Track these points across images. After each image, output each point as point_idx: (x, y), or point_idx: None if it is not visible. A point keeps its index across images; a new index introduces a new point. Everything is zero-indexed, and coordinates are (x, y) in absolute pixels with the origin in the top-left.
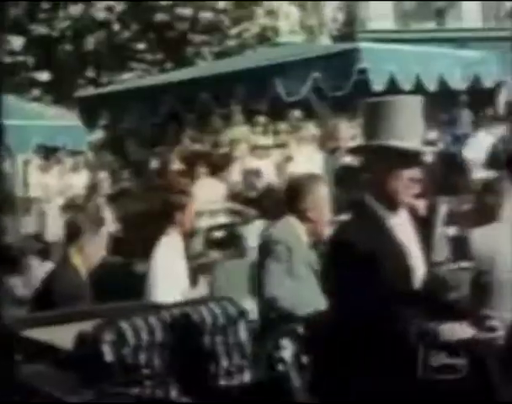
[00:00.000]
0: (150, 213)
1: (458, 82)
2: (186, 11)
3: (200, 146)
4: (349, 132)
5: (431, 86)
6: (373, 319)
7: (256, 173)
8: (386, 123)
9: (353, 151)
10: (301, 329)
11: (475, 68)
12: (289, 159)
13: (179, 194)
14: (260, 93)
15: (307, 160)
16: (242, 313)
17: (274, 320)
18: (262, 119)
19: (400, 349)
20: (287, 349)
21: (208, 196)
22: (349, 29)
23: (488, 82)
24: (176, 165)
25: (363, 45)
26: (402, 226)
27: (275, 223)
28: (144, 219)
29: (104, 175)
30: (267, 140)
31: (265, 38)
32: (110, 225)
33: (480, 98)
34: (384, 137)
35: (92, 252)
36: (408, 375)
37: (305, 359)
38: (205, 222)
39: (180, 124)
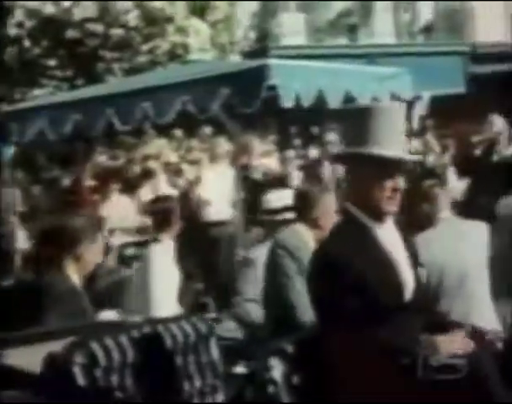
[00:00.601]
0: (61, 229)
1: (367, 98)
2: (97, 27)
3: (113, 162)
4: (261, 148)
5: (337, 102)
6: (362, 332)
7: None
8: (369, 130)
9: (335, 158)
10: (289, 347)
11: (387, 84)
12: (198, 179)
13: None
14: (169, 110)
15: (219, 176)
16: (212, 330)
17: (261, 338)
18: (176, 135)
19: (391, 363)
20: (277, 369)
21: (120, 213)
22: (261, 46)
23: (406, 96)
24: (88, 181)
25: (272, 61)
26: (387, 236)
27: (283, 231)
28: (55, 235)
29: (16, 192)
30: (179, 157)
31: (176, 55)
32: (23, 242)
33: None
34: (367, 145)
35: (89, 260)
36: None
37: (296, 379)
38: (117, 239)
39: (89, 141)
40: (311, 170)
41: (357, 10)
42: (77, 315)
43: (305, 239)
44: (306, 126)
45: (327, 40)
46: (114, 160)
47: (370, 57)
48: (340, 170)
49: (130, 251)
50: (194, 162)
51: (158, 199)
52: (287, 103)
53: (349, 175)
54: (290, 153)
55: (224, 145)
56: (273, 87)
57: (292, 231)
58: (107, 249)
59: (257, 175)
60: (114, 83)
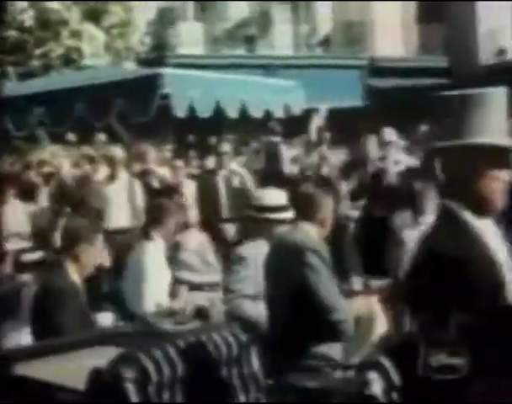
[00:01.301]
0: None
1: (261, 110)
2: None
3: (9, 167)
4: (157, 156)
5: (233, 113)
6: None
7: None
8: (474, 119)
9: (435, 152)
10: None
11: (281, 96)
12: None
13: None
14: (64, 117)
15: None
16: (253, 340)
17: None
18: (71, 141)
19: None
20: (376, 384)
21: (17, 218)
22: (158, 54)
23: (296, 110)
24: None
25: (166, 70)
26: (490, 234)
27: (291, 232)
28: None
29: None
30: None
31: (71, 60)
32: None
33: (291, 125)
34: (473, 135)
35: (89, 261)
36: None
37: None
38: (13, 245)
39: None
40: (205, 179)
41: (255, 21)
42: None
43: (316, 238)
44: (203, 136)
45: (224, 51)
46: (11, 165)
47: (268, 69)
48: (236, 180)
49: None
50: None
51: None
52: (181, 112)
53: (447, 170)
54: (180, 162)
55: (119, 152)
56: (166, 96)
57: (304, 230)
58: (3, 255)
59: (155, 183)
60: (9, 88)
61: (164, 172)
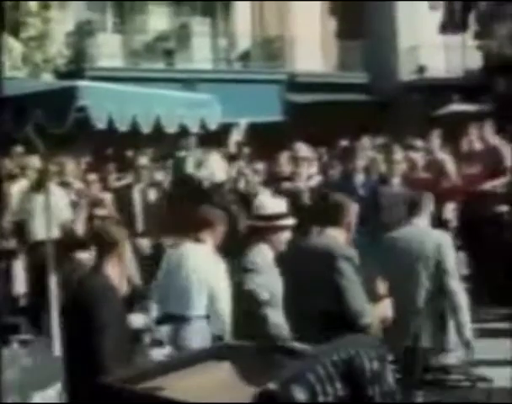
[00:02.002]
0: None
1: (176, 125)
2: None
3: None
4: (76, 168)
5: (147, 127)
6: None
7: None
8: None
9: None
10: None
11: (197, 111)
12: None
13: None
14: None
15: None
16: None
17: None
18: None
19: None
20: None
21: None
22: (76, 66)
23: (213, 124)
24: None
25: (82, 83)
26: None
27: (320, 237)
28: None
29: None
30: None
31: None
32: None
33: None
34: None
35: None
36: None
37: None
38: None
39: None
40: (123, 193)
41: (174, 34)
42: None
43: (344, 243)
44: (121, 150)
45: (143, 64)
46: None
47: (186, 82)
48: (153, 195)
49: None
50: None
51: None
52: (98, 125)
53: None
54: (93, 176)
55: (36, 163)
56: (83, 109)
57: (331, 236)
58: None
59: (72, 196)
60: None
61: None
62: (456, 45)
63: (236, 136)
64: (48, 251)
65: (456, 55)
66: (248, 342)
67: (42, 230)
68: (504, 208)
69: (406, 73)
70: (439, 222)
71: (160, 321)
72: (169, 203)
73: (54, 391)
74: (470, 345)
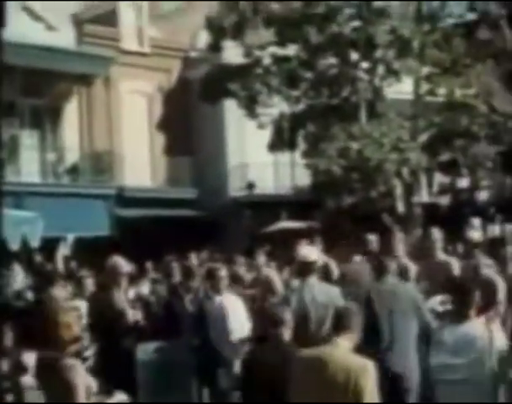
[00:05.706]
0: None
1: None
2: None
3: None
4: None
5: None
6: None
7: None
8: None
9: None
10: None
11: (21, 228)
12: None
13: None
14: None
15: None
16: None
17: None
18: None
19: None
20: None
21: None
22: None
23: (34, 241)
24: None
25: None
26: None
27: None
28: None
29: None
30: None
31: None
32: None
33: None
34: None
35: None
36: None
37: None
38: None
39: None
40: None
41: (4, 146)
42: None
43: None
44: None
45: None
46: None
47: (15, 196)
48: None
49: None
50: None
51: None
52: None
53: None
54: None
55: None
56: None
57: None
58: None
59: None
60: None
61: None
62: (285, 163)
63: (63, 251)
64: None
65: (285, 172)
66: None
67: None
68: None
69: (235, 190)
70: None
71: None
72: None
73: None
74: None
